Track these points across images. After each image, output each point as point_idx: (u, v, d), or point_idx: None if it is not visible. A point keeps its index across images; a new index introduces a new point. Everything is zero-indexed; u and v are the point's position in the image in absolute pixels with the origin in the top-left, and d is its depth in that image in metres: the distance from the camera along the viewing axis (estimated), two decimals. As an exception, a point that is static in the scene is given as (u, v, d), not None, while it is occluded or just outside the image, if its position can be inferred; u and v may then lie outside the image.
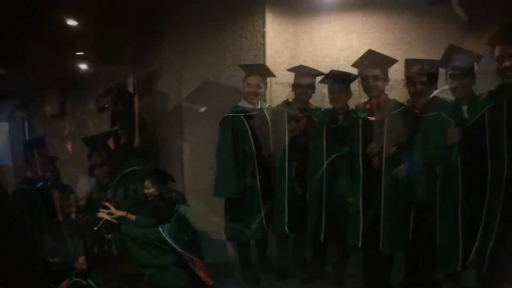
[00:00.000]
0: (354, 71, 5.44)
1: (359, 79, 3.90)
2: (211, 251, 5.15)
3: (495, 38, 3.29)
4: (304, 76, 4.46)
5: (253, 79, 4.43)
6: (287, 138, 4.45)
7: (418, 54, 5.76)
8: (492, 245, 3.29)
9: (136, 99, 6.35)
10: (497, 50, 3.25)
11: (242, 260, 4.73)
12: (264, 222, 4.49)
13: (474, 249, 3.43)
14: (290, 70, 4.55)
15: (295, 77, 4.49)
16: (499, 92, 3.43)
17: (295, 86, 4.49)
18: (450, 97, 3.82)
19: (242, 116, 4.42)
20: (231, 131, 4.38)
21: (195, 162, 5.99)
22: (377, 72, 3.80)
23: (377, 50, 5.63)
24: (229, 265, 4.97)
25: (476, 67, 3.52)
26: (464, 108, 3.59)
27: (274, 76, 4.70)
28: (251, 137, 4.40)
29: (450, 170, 3.58)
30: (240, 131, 4.40)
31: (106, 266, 4.11)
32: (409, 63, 3.96)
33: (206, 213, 5.77)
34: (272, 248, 4.96)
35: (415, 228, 3.86)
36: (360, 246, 3.92)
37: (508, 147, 3.27)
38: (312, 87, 4.50)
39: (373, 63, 3.83)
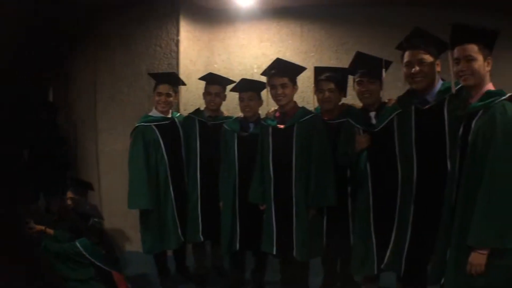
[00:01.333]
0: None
1: (268, 87, 3.89)
2: (131, 263, 5.10)
3: (404, 43, 3.32)
4: (214, 84, 4.43)
5: (164, 88, 4.35)
6: (198, 147, 4.41)
7: (331, 62, 5.93)
8: (407, 247, 3.31)
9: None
10: (406, 56, 3.29)
11: (160, 271, 4.64)
12: (179, 232, 4.42)
13: (388, 252, 3.46)
14: (201, 78, 4.49)
15: (205, 85, 4.45)
16: (407, 97, 3.47)
17: (206, 94, 4.45)
18: (358, 103, 3.87)
19: (153, 126, 4.33)
20: (142, 141, 4.29)
21: (111, 172, 5.83)
22: (285, 80, 3.79)
23: (291, 58, 5.73)
24: (149, 276, 4.85)
25: (384, 74, 3.54)
26: (372, 114, 3.63)
27: (184, 84, 4.64)
28: (163, 147, 4.32)
29: (359, 175, 3.64)
30: (151, 141, 4.32)
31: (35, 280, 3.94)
32: (318, 70, 3.99)
33: (124, 225, 5.71)
34: (190, 257, 4.89)
35: (329, 232, 3.90)
36: (274, 253, 3.90)
37: (417, 151, 3.31)
38: (222, 95, 4.48)
39: (281, 71, 3.82)
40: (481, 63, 2.73)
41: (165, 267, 4.64)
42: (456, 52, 2.79)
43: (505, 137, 2.56)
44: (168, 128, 4.41)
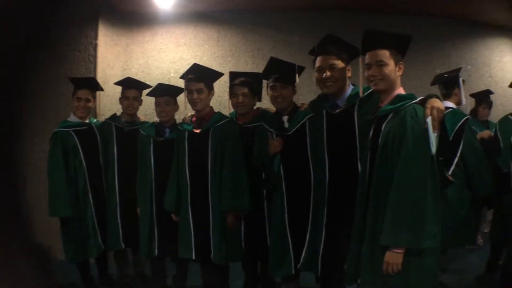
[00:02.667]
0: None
1: (185, 92, 3.94)
2: (59, 272, 4.94)
3: (316, 49, 3.41)
4: (132, 88, 4.40)
5: (83, 93, 4.28)
6: (116, 153, 4.37)
7: (247, 66, 6.11)
8: (322, 247, 3.40)
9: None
10: (317, 61, 3.37)
11: (83, 280, 4.53)
12: (99, 239, 4.38)
13: (303, 253, 3.52)
14: (118, 83, 4.47)
15: (122, 90, 4.42)
16: (319, 102, 3.57)
17: (123, 99, 4.42)
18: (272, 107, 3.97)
19: (71, 132, 4.26)
20: (61, 147, 4.21)
21: (35, 179, 5.66)
22: (201, 85, 3.81)
23: (208, 63, 5.86)
24: (74, 285, 4.75)
25: (297, 79, 3.62)
26: (285, 118, 3.69)
27: (102, 90, 4.59)
28: (81, 153, 4.26)
29: (274, 178, 3.70)
30: (70, 147, 4.24)
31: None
32: (232, 75, 4.06)
33: (50, 234, 5.49)
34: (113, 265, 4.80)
35: (247, 235, 3.94)
36: (194, 257, 3.90)
37: (328, 154, 3.41)
38: (138, 100, 4.47)
39: (197, 77, 3.84)
40: (392, 68, 2.76)
41: (88, 275, 4.57)
42: (368, 57, 2.81)
43: (415, 139, 2.58)
44: (86, 134, 4.36)
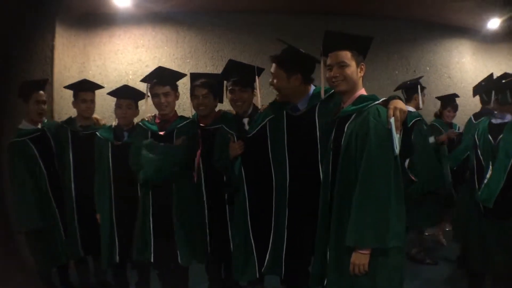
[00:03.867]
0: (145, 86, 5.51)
1: (149, 95, 3.81)
2: None
3: (272, 57, 3.35)
4: (87, 91, 4.27)
5: (40, 96, 4.12)
6: (71, 157, 4.23)
7: (207, 68, 6.11)
8: (285, 250, 3.37)
9: None
10: (272, 68, 3.33)
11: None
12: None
13: (267, 256, 3.49)
14: (70, 86, 4.35)
15: (78, 93, 4.25)
16: (279, 103, 3.51)
17: (79, 102, 4.26)
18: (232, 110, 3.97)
19: (27, 140, 4.10)
20: (21, 157, 4.03)
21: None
22: (167, 89, 3.75)
23: (166, 64, 5.77)
24: None
25: (257, 80, 3.62)
26: (246, 120, 3.71)
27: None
28: (40, 161, 4.09)
29: (235, 180, 3.66)
30: (29, 157, 4.07)
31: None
32: (193, 76, 4.02)
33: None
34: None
35: (212, 236, 3.89)
36: (152, 260, 3.80)
37: (289, 157, 3.37)
38: (94, 102, 4.34)
39: (163, 80, 3.77)
40: (354, 69, 2.76)
41: (51, 284, 4.46)
42: (329, 59, 2.81)
43: (378, 139, 2.58)
44: (42, 140, 4.22)
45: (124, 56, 6.08)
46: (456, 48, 7.42)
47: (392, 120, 2.58)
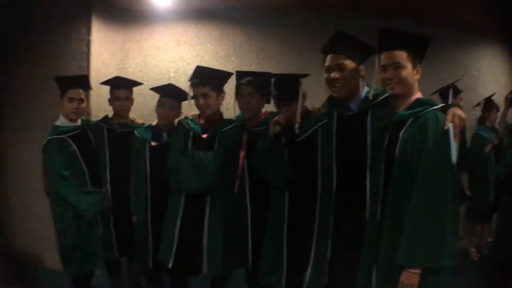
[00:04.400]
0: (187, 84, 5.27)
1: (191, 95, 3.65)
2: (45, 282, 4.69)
3: (326, 47, 3.14)
4: (120, 88, 4.16)
5: (76, 93, 3.91)
6: (107, 157, 4.14)
7: (251, 66, 5.84)
8: (329, 258, 3.16)
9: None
10: (326, 60, 3.12)
11: None
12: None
13: (309, 269, 3.28)
14: (105, 83, 4.24)
15: (112, 90, 4.18)
16: (331, 104, 3.32)
17: (113, 100, 4.18)
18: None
19: (67, 138, 3.89)
20: (61, 155, 3.83)
21: (22, 181, 5.38)
22: (206, 90, 3.55)
23: (209, 62, 5.66)
24: None
25: (300, 87, 3.34)
26: (296, 125, 3.36)
27: (91, 88, 4.27)
28: (81, 159, 3.92)
29: (278, 185, 3.46)
30: (68, 154, 3.87)
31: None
32: (239, 75, 3.75)
33: (37, 243, 5.24)
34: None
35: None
36: (170, 266, 3.66)
37: (337, 161, 3.16)
38: (130, 99, 4.23)
39: (202, 80, 3.58)
40: (409, 71, 2.63)
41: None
42: (384, 58, 2.68)
43: (437, 148, 2.45)
44: (81, 137, 4.03)
45: (165, 53, 5.88)
46: (503, 54, 7.18)
47: (450, 125, 2.47)
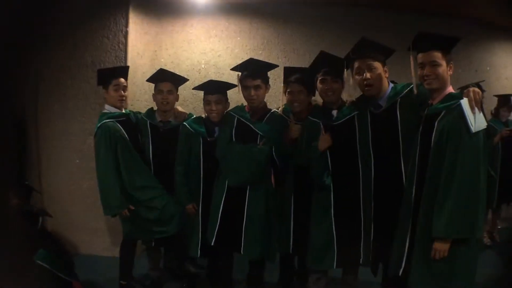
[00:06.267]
0: (217, 76, 5.44)
1: (240, 87, 3.81)
2: (84, 268, 4.69)
3: (352, 54, 3.45)
4: (163, 81, 4.21)
5: (121, 82, 4.13)
6: (151, 152, 4.26)
7: (278, 60, 6.00)
8: (372, 241, 3.50)
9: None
10: (355, 64, 3.43)
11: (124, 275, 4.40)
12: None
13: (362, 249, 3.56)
14: (150, 79, 4.33)
15: (155, 83, 4.27)
16: (362, 102, 3.62)
17: (156, 94, 4.26)
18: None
19: (117, 123, 4.10)
20: (110, 140, 4.01)
21: (52, 170, 5.60)
22: (258, 82, 3.73)
23: (239, 55, 5.81)
24: (99, 282, 4.65)
25: (345, 73, 3.60)
26: (334, 112, 3.65)
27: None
28: (130, 144, 4.10)
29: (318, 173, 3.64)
30: (119, 139, 4.05)
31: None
32: (287, 71, 3.96)
33: (69, 228, 5.46)
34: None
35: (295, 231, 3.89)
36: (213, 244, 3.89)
37: (374, 152, 3.47)
38: (174, 94, 4.25)
39: (254, 73, 3.74)
40: (444, 68, 2.99)
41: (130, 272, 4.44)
42: (422, 57, 3.02)
43: (471, 134, 2.79)
44: (129, 125, 4.22)
45: (196, 45, 6.01)
46: None
47: (464, 100, 2.86)
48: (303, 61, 5.63)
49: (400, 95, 3.38)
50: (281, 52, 6.12)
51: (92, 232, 5.44)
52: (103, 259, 5.22)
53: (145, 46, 5.81)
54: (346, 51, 3.54)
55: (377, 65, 3.37)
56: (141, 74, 5.39)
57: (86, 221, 5.41)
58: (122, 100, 4.19)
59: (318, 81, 3.66)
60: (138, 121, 4.34)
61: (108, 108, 4.19)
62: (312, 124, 3.69)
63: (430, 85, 3.01)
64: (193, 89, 4.21)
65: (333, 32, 6.07)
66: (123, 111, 4.25)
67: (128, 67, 4.59)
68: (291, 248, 3.88)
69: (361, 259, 3.57)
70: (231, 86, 4.01)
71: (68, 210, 5.41)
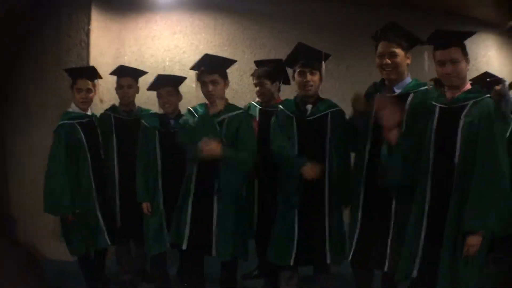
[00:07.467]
0: (182, 72, 5.36)
1: (199, 85, 3.75)
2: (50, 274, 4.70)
3: (378, 35, 3.42)
4: (123, 76, 4.31)
5: (83, 83, 4.08)
6: (115, 144, 4.27)
7: (245, 56, 5.99)
8: (357, 235, 3.44)
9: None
10: (379, 47, 3.39)
11: (88, 277, 4.29)
12: (105, 235, 4.13)
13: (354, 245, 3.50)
14: (111, 73, 4.40)
15: (117, 79, 4.35)
16: (373, 88, 3.58)
17: (117, 88, 4.34)
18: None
19: (76, 124, 4.06)
20: (65, 141, 3.98)
21: (20, 173, 5.50)
22: (215, 77, 3.67)
23: (204, 51, 5.56)
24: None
25: (323, 66, 3.60)
26: (309, 107, 3.66)
27: (101, 77, 4.36)
28: (86, 146, 4.05)
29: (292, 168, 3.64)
30: (75, 141, 4.02)
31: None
32: (258, 64, 4.13)
33: (41, 233, 5.35)
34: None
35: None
36: (184, 247, 3.76)
37: (372, 134, 3.41)
38: (134, 87, 4.35)
39: (210, 68, 3.70)
40: (464, 65, 2.97)
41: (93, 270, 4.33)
42: (441, 55, 2.98)
43: (500, 126, 2.90)
44: (89, 127, 4.17)
45: (160, 42, 5.95)
46: (483, 41, 7.47)
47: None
48: (269, 57, 5.49)
49: (420, 89, 3.34)
50: (247, 47, 6.12)
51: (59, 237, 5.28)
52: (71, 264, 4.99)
53: (108, 44, 5.72)
54: (315, 46, 3.59)
55: (399, 51, 3.32)
56: (104, 73, 5.29)
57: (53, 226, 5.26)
58: (85, 102, 4.14)
59: (296, 74, 3.65)
60: (101, 118, 4.36)
61: (73, 108, 4.17)
62: (285, 116, 3.69)
63: (451, 82, 3.01)
64: (147, 89, 4.27)
65: (298, 28, 6.05)
66: (89, 112, 4.22)
67: (92, 67, 4.52)
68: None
69: (327, 258, 3.57)
70: (181, 79, 4.16)
71: (37, 216, 5.18)
